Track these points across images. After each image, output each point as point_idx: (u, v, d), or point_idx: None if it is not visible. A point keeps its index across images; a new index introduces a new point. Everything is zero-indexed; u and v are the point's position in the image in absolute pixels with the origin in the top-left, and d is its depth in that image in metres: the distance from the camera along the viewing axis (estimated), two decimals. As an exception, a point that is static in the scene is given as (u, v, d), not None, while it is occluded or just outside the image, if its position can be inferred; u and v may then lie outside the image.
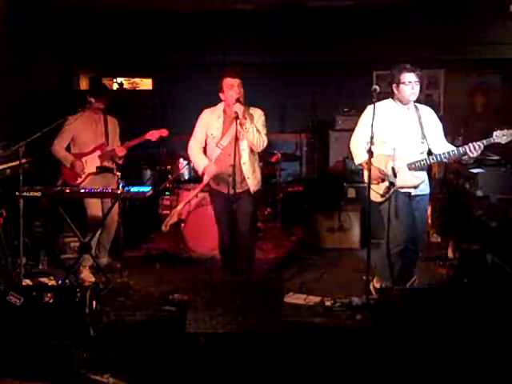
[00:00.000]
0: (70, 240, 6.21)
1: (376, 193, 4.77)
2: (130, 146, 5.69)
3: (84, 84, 8.69)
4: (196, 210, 6.34)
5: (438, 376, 3.61)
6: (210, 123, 4.90)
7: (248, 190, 4.90)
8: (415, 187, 4.76)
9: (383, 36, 7.67)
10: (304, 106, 8.24)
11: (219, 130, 4.89)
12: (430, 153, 4.76)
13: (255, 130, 4.78)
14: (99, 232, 5.60)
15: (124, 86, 8.44)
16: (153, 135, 5.63)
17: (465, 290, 4.37)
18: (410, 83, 4.66)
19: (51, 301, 4.09)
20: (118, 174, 5.27)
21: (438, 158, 4.67)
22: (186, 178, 7.16)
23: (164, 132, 5.68)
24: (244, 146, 4.83)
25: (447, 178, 6.47)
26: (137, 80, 8.59)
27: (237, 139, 4.68)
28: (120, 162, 5.75)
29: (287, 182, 7.75)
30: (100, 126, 5.71)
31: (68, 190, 5.19)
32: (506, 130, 4.44)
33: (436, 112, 4.97)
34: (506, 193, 5.39)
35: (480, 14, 7.34)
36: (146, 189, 5.13)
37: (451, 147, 4.71)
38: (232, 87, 4.78)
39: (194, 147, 5.01)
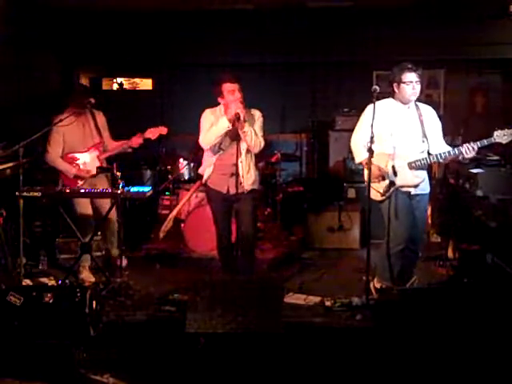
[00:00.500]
0: (70, 240, 6.21)
1: (376, 191, 4.77)
2: (136, 142, 5.60)
3: (84, 84, 8.68)
4: (196, 209, 6.34)
5: (437, 376, 3.61)
6: (212, 123, 4.89)
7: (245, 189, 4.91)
8: (415, 186, 4.76)
9: (383, 36, 7.67)
10: (304, 106, 8.25)
11: None
12: (428, 152, 4.76)
13: (253, 133, 4.81)
14: (99, 232, 5.60)
15: (124, 86, 8.44)
16: (152, 133, 5.57)
17: (465, 290, 4.37)
18: (410, 83, 4.66)
19: (51, 301, 4.09)
20: (118, 173, 5.27)
21: (436, 158, 4.68)
22: (186, 178, 7.16)
23: (163, 130, 5.60)
24: (243, 147, 4.84)
25: (447, 178, 6.48)
26: (137, 80, 8.59)
27: (238, 140, 4.70)
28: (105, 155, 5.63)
29: (287, 181, 7.75)
30: (89, 124, 5.57)
31: (68, 190, 5.19)
32: (506, 130, 4.44)
33: (436, 112, 4.97)
34: (506, 193, 5.39)
35: (480, 14, 7.35)
36: (146, 189, 5.13)
37: (448, 148, 4.71)
38: (233, 92, 4.79)
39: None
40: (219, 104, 4.93)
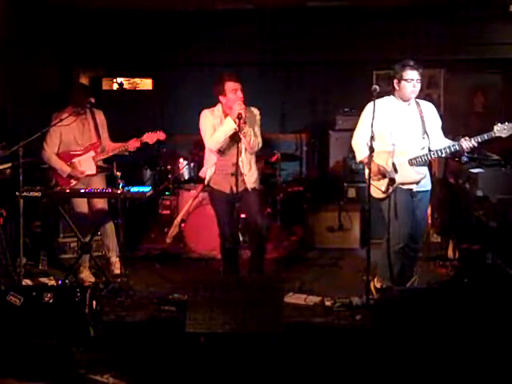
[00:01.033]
0: (70, 240, 6.22)
1: (377, 189, 4.77)
2: (133, 145, 5.57)
3: (84, 83, 8.68)
4: (196, 209, 6.34)
5: (437, 376, 3.61)
6: (214, 124, 4.89)
7: (247, 187, 4.91)
8: (417, 183, 4.76)
9: (383, 36, 7.67)
10: (304, 106, 8.24)
11: None
12: (428, 149, 4.77)
13: (252, 134, 4.82)
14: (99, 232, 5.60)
15: (124, 86, 8.44)
16: (150, 137, 5.55)
17: (465, 290, 4.37)
18: (411, 80, 4.66)
19: (51, 301, 4.09)
20: (118, 173, 5.27)
21: (436, 154, 4.68)
22: (186, 178, 7.16)
23: (161, 135, 5.57)
24: (243, 146, 4.84)
25: (447, 178, 6.47)
26: (137, 80, 8.58)
27: (238, 140, 4.70)
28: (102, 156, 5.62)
29: (287, 181, 7.74)
30: (88, 124, 5.56)
31: (68, 190, 5.19)
32: (506, 124, 4.44)
33: (436, 111, 4.97)
34: (506, 193, 5.39)
35: (480, 14, 7.35)
36: (146, 189, 5.13)
37: (448, 142, 4.72)
38: (235, 91, 4.80)
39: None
40: (217, 104, 4.94)
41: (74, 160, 5.51)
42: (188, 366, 3.81)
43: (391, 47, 7.62)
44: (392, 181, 4.70)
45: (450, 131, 5.08)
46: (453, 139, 4.83)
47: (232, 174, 4.76)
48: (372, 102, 4.64)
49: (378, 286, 4.87)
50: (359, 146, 4.83)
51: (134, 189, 5.04)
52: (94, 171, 5.55)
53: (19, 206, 4.85)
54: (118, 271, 5.58)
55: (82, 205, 5.50)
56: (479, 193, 5.46)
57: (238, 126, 4.69)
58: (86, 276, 5.53)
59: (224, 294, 4.09)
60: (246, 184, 4.90)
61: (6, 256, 5.19)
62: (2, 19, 6.41)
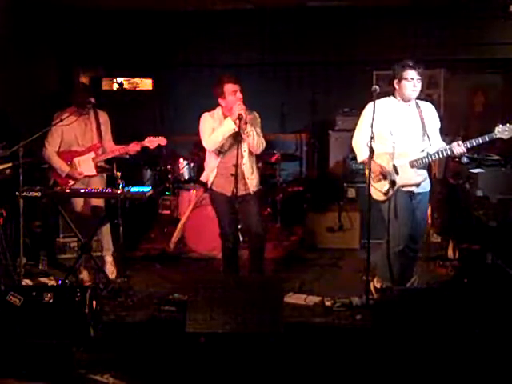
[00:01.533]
0: (70, 240, 6.22)
1: (378, 191, 4.76)
2: (133, 149, 5.58)
3: (85, 83, 8.68)
4: (196, 209, 6.34)
5: (437, 376, 3.61)
6: (213, 127, 4.88)
7: (250, 191, 4.92)
8: (417, 185, 4.75)
9: (383, 36, 7.67)
10: (304, 106, 8.24)
11: None
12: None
13: (255, 134, 4.82)
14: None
15: (124, 86, 8.44)
16: (151, 142, 5.54)
17: (465, 290, 4.37)
18: (411, 80, 4.65)
19: (51, 301, 4.09)
20: (118, 173, 5.26)
21: (436, 156, 4.68)
22: (186, 178, 7.16)
23: (162, 141, 5.55)
24: (245, 148, 4.84)
25: (447, 178, 6.48)
26: (137, 80, 8.58)
27: (239, 141, 4.70)
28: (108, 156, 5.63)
29: (287, 181, 7.74)
30: (91, 125, 5.57)
31: (68, 190, 5.19)
32: (508, 125, 4.42)
33: (436, 112, 4.97)
34: (506, 193, 5.39)
35: (480, 14, 7.35)
36: (146, 189, 5.13)
37: (443, 145, 4.72)
38: (235, 93, 4.80)
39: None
40: (218, 105, 4.93)
41: (74, 160, 5.52)
42: (188, 366, 3.81)
43: (391, 47, 7.62)
44: (393, 183, 4.69)
45: (450, 131, 5.09)
46: (452, 140, 4.83)
47: (232, 175, 4.75)
48: (372, 103, 4.63)
49: (378, 286, 4.87)
50: (360, 146, 4.82)
51: (134, 189, 5.04)
52: (93, 172, 5.55)
53: (19, 206, 4.85)
54: (113, 275, 5.58)
55: (78, 204, 5.51)
56: (479, 193, 5.46)
57: (239, 126, 4.69)
58: (86, 276, 5.53)
59: (224, 293, 4.09)
60: (249, 188, 4.90)
61: (5, 256, 5.18)
62: (2, 19, 6.41)
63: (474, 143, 4.52)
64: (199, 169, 5.39)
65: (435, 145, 4.74)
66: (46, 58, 7.53)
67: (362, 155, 4.81)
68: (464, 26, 7.54)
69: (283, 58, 8.04)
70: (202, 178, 5.13)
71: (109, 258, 5.69)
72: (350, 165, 6.94)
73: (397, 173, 4.69)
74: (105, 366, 3.80)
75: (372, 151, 4.57)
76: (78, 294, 4.11)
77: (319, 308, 4.80)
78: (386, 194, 4.73)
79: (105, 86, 8.55)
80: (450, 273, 5.59)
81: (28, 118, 6.38)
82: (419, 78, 4.67)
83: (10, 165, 5.34)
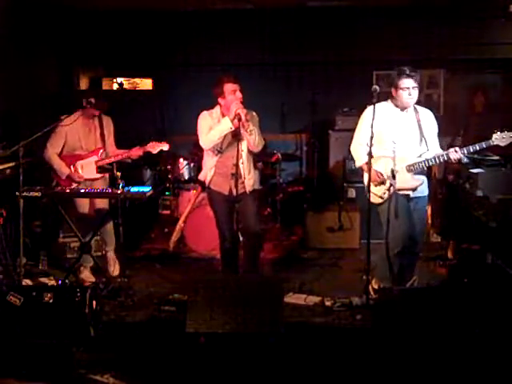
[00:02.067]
0: (70, 240, 6.21)
1: (375, 195, 4.78)
2: (135, 154, 5.61)
3: (84, 84, 8.68)
4: (196, 209, 6.34)
5: (437, 376, 3.61)
6: (211, 126, 4.89)
7: (246, 191, 4.92)
8: (414, 189, 4.76)
9: (383, 36, 7.67)
10: (304, 105, 8.23)
11: None
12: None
13: (256, 132, 4.82)
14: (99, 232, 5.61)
15: (124, 86, 8.43)
16: (153, 147, 5.55)
17: (465, 290, 4.37)
18: (407, 89, 4.64)
19: (51, 301, 4.10)
20: (118, 173, 5.26)
21: (432, 162, 4.68)
22: (186, 178, 7.16)
23: (165, 146, 5.56)
24: (243, 147, 4.85)
25: (447, 179, 6.48)
26: (137, 80, 8.58)
27: (238, 140, 4.70)
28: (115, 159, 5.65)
29: (287, 181, 7.74)
30: (95, 129, 5.59)
31: (68, 190, 5.19)
32: (506, 133, 4.43)
33: (436, 112, 4.98)
34: (506, 193, 5.39)
35: (480, 14, 7.35)
36: (146, 189, 5.13)
37: (440, 151, 4.72)
38: (234, 92, 4.81)
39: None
40: (218, 104, 4.94)
41: (76, 163, 5.54)
42: (188, 366, 3.81)
43: (391, 47, 7.62)
44: (390, 187, 4.70)
45: (449, 132, 5.08)
46: (452, 140, 4.83)
47: (232, 175, 4.76)
48: (369, 107, 4.65)
49: (376, 286, 4.88)
50: (358, 152, 4.84)
51: (134, 189, 5.04)
52: (95, 176, 5.56)
53: (19, 206, 4.85)
54: (116, 272, 5.60)
55: (84, 206, 5.52)
56: (479, 193, 5.47)
57: (242, 125, 4.69)
58: (86, 276, 5.54)
59: (224, 293, 4.09)
60: (246, 187, 4.92)
61: (6, 256, 5.19)
62: (2, 19, 6.41)
63: (471, 150, 4.53)
64: (199, 168, 5.39)
65: (433, 150, 4.75)
66: (46, 57, 7.53)
67: (360, 160, 4.83)
68: (464, 26, 7.53)
69: (283, 57, 8.04)
70: (200, 177, 5.14)
71: (112, 255, 5.71)
72: (349, 165, 6.93)
73: (394, 177, 4.69)
74: (105, 366, 3.80)
75: (371, 155, 4.57)
76: (78, 294, 4.11)
77: (319, 308, 4.81)
78: (382, 197, 4.75)
79: (105, 86, 8.55)
80: (450, 273, 5.59)
81: (28, 118, 6.38)
82: (415, 85, 4.65)
83: (11, 164, 5.34)
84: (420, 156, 4.74)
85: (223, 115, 4.85)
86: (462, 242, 5.75)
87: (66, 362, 3.87)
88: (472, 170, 5.61)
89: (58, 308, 4.08)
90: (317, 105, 8.23)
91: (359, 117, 4.93)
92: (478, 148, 4.51)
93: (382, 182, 4.73)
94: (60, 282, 5.18)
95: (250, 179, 4.95)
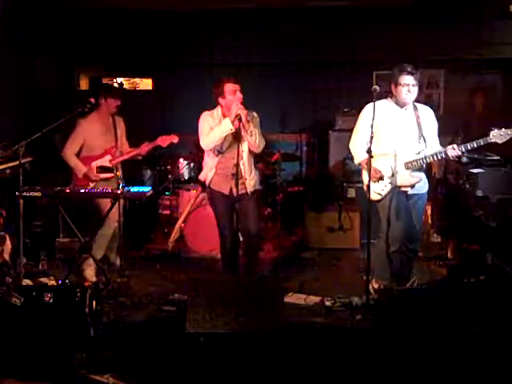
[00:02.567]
0: (70, 240, 6.20)
1: (373, 191, 4.78)
2: (145, 149, 5.65)
3: (84, 84, 8.69)
4: (196, 210, 6.34)
5: (437, 376, 3.61)
6: (212, 126, 4.89)
7: (247, 191, 4.92)
8: (412, 186, 4.76)
9: (383, 36, 7.68)
10: (304, 105, 8.24)
11: None
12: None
13: (257, 133, 4.82)
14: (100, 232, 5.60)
15: (124, 86, 8.44)
16: (163, 141, 5.58)
17: (465, 290, 4.37)
18: (406, 85, 4.65)
19: (51, 301, 4.09)
20: (119, 173, 5.27)
21: (431, 159, 4.69)
22: (186, 178, 7.16)
23: (174, 138, 5.60)
24: (244, 148, 4.85)
25: (447, 178, 6.48)
26: (137, 80, 8.59)
27: (239, 141, 4.70)
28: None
29: (287, 181, 7.74)
30: (109, 129, 5.69)
31: (68, 190, 5.19)
32: (503, 130, 4.44)
33: (436, 112, 4.98)
34: (506, 193, 5.39)
35: (480, 14, 7.35)
36: (146, 189, 5.13)
37: (439, 148, 4.72)
38: (234, 92, 4.81)
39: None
40: (218, 104, 4.94)
41: (92, 164, 5.61)
42: (188, 366, 3.81)
43: (391, 47, 7.63)
44: (388, 184, 4.71)
45: (449, 131, 5.08)
46: (452, 140, 4.83)
47: (233, 175, 4.76)
48: (368, 105, 4.65)
49: (376, 286, 4.88)
50: (357, 149, 4.85)
51: (134, 189, 5.04)
52: (110, 174, 5.60)
53: (19, 206, 4.85)
54: (118, 262, 5.63)
55: (106, 206, 5.51)
56: (479, 193, 5.47)
57: (243, 126, 4.69)
58: (89, 275, 5.53)
59: (224, 293, 4.09)
60: (247, 188, 4.91)
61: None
62: (3, 19, 6.42)
63: (469, 147, 4.53)
64: (199, 168, 5.39)
65: (432, 147, 4.75)
66: (46, 58, 7.53)
67: (358, 157, 4.84)
68: (464, 26, 7.54)
69: (283, 58, 8.04)
70: (201, 177, 5.13)
71: (113, 256, 5.73)
72: (349, 165, 6.93)
73: (393, 174, 4.70)
74: (105, 366, 3.80)
75: (370, 152, 4.57)
76: (78, 294, 4.11)
77: (319, 308, 4.80)
78: (381, 194, 4.75)
79: (105, 86, 8.54)
80: (450, 273, 5.59)
81: (28, 118, 6.38)
82: (415, 83, 4.66)
83: (10, 164, 5.34)
84: (419, 153, 4.74)
85: (224, 116, 4.85)
86: (462, 241, 5.75)
87: (66, 361, 3.86)
88: (472, 170, 5.61)
89: (58, 308, 4.08)
90: (317, 105, 8.23)
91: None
92: (475, 145, 4.50)
93: (381, 178, 4.74)
94: (60, 282, 5.17)
95: (251, 180, 4.95)
